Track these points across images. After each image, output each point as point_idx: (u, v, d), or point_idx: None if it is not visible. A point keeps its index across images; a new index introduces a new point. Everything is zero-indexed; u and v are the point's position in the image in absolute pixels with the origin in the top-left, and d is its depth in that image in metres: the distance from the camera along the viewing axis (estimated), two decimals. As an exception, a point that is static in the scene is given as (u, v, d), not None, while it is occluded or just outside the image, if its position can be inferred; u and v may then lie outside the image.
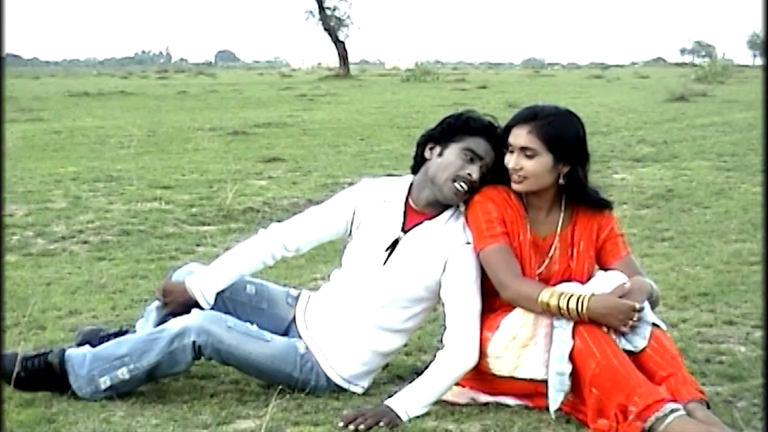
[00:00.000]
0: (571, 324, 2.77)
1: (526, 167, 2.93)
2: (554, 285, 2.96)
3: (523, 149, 2.93)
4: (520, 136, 2.94)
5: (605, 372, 2.69)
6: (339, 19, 43.52)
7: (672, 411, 2.61)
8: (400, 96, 23.32)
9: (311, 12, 43.45)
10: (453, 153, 3.03)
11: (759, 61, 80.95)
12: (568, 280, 2.99)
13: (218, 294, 3.15)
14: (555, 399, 2.79)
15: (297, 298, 3.29)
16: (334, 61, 47.21)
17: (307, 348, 3.10)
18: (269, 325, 3.17)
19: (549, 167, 2.94)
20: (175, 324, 2.98)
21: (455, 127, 3.05)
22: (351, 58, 43.68)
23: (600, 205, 3.07)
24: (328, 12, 43.06)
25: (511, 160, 2.95)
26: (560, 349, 2.76)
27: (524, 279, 2.93)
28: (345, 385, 3.10)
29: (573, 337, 2.76)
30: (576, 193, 3.03)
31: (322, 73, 46.48)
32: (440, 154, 3.05)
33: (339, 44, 42.20)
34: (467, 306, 2.98)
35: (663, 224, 6.31)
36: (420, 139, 3.16)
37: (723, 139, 11.95)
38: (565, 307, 2.78)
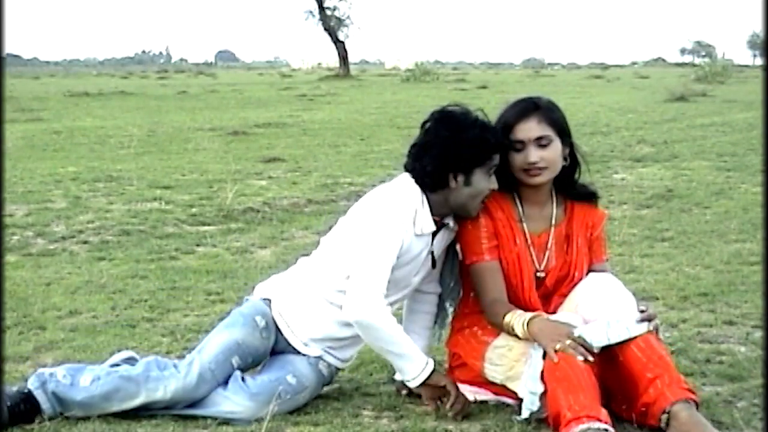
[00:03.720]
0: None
1: (545, 157, 2.94)
2: (552, 281, 3.02)
3: (537, 140, 2.93)
4: (531, 129, 2.94)
5: (562, 380, 2.68)
6: (339, 19, 43.54)
7: (604, 430, 2.56)
8: (400, 96, 23.32)
9: (311, 12, 43.53)
10: (481, 179, 2.97)
11: (759, 61, 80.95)
12: (566, 275, 3.04)
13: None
14: (524, 414, 2.80)
15: (268, 327, 3.06)
16: (334, 61, 47.25)
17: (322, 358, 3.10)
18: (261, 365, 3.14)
19: (560, 151, 2.98)
20: None
21: (483, 153, 2.96)
22: (351, 58, 43.72)
23: (589, 195, 3.10)
24: (328, 12, 43.08)
25: (529, 155, 2.93)
26: (535, 369, 2.78)
27: (498, 302, 2.96)
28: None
29: (544, 358, 2.76)
30: (567, 179, 3.04)
31: (322, 73, 46.50)
32: (467, 183, 2.96)
33: (339, 44, 42.21)
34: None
35: (663, 224, 6.30)
36: (444, 164, 2.95)
37: (723, 139, 11.95)
38: (519, 327, 2.86)
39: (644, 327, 2.77)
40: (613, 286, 2.91)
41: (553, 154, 2.95)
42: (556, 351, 2.72)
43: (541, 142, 2.93)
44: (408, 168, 3.04)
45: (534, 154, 2.92)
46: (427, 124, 3.03)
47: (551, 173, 2.97)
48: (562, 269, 3.04)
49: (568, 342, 2.73)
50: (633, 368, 2.73)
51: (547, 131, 2.94)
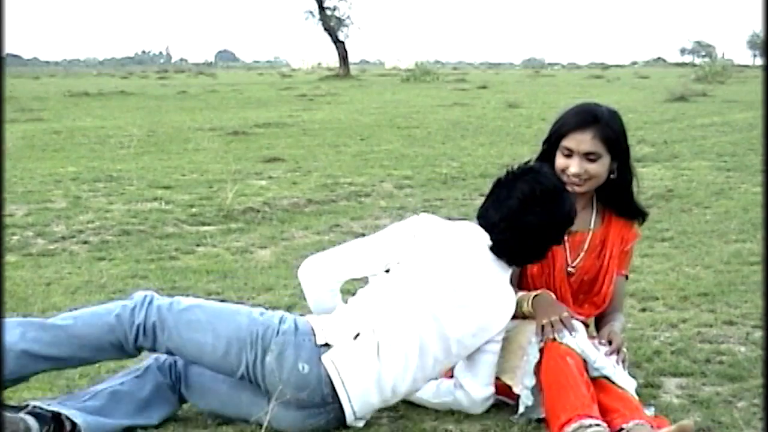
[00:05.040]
0: (541, 342, 2.79)
1: (590, 171, 2.96)
2: (578, 281, 3.08)
3: (586, 154, 2.94)
4: (584, 142, 2.94)
5: (553, 384, 2.69)
6: (339, 19, 43.55)
7: (595, 425, 2.56)
8: (400, 96, 23.33)
9: (311, 12, 43.55)
10: None
11: (759, 61, 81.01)
12: (595, 278, 3.10)
13: None
14: (521, 408, 2.82)
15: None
16: (334, 61, 47.27)
17: None
18: None
19: (607, 167, 3.00)
20: None
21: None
22: (351, 58, 43.72)
23: (634, 213, 3.13)
24: (328, 12, 43.09)
25: (572, 165, 2.95)
26: (530, 363, 2.79)
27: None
28: None
29: (540, 353, 2.77)
30: (616, 192, 3.05)
31: (322, 73, 46.51)
32: None
33: (339, 44, 42.22)
34: None
35: (663, 224, 6.30)
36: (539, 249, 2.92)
37: (723, 139, 11.96)
38: (526, 302, 2.91)
39: (629, 385, 2.79)
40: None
41: (599, 170, 2.97)
42: (542, 327, 2.79)
43: (589, 157, 2.95)
44: (494, 242, 2.83)
45: (579, 166, 2.95)
46: (528, 200, 2.81)
47: (590, 186, 3.01)
48: (590, 272, 3.09)
49: (554, 318, 2.78)
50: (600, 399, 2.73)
51: (599, 148, 2.95)
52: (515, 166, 2.90)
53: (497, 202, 2.85)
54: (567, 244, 3.07)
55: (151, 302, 2.76)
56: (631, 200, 3.11)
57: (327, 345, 2.70)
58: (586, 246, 3.07)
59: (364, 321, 2.74)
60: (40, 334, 2.66)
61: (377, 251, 2.85)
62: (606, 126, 2.96)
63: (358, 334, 2.71)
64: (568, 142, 2.96)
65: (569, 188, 2.97)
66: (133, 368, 2.91)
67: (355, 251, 2.88)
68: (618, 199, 3.09)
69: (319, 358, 2.68)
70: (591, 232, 3.09)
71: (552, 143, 3.01)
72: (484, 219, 2.88)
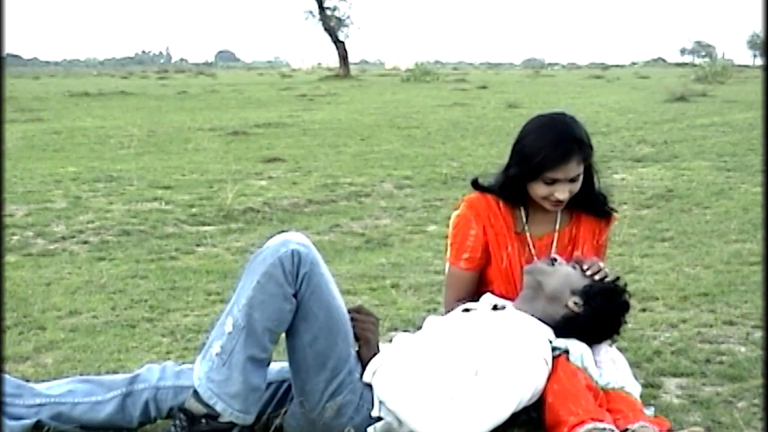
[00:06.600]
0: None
1: (574, 190, 2.93)
2: None
3: (572, 178, 2.91)
4: (571, 170, 2.90)
5: (561, 392, 2.67)
6: (339, 19, 43.55)
7: (610, 429, 2.53)
8: (400, 96, 23.33)
9: (311, 12, 43.53)
10: None
11: (759, 61, 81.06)
12: None
13: None
14: (526, 416, 2.79)
15: None
16: (334, 61, 47.25)
17: None
18: None
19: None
20: None
21: None
22: (351, 59, 43.70)
23: (601, 214, 3.10)
24: (328, 12, 43.08)
25: (559, 192, 2.90)
26: None
27: (460, 302, 3.02)
28: None
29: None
30: (581, 193, 3.01)
31: (322, 73, 46.51)
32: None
33: (339, 44, 42.22)
34: None
35: (663, 224, 6.30)
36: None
37: (723, 139, 11.96)
38: None
39: (635, 391, 2.78)
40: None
41: (579, 185, 2.95)
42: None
43: (573, 179, 2.92)
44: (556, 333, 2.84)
45: (567, 192, 2.91)
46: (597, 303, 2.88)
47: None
48: None
49: None
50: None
51: (581, 167, 2.93)
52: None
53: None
54: (533, 249, 3.04)
55: (300, 263, 2.59)
56: (595, 196, 3.06)
57: (379, 417, 2.67)
58: (553, 248, 3.04)
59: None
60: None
61: (527, 392, 2.68)
62: (585, 144, 2.93)
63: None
64: (555, 174, 2.89)
65: (550, 209, 2.97)
66: (97, 386, 2.76)
67: (512, 403, 2.66)
68: (582, 196, 3.02)
69: (365, 429, 2.66)
70: (557, 233, 3.06)
71: (532, 174, 2.91)
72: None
